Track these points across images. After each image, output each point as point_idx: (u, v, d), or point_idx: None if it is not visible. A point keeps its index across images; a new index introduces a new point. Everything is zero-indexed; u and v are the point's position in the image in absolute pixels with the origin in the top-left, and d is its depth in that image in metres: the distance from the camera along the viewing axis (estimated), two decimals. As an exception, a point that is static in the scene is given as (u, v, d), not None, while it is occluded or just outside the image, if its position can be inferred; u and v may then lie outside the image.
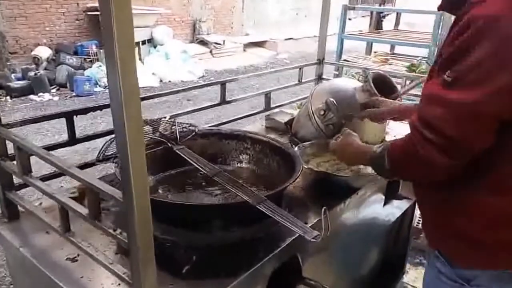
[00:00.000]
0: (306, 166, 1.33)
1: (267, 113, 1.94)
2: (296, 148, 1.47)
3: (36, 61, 6.63)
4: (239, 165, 1.39)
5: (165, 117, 1.39)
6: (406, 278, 2.05)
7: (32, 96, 6.00)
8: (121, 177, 0.68)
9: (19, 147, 0.96)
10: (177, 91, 1.55)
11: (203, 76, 7.45)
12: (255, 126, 1.91)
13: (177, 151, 1.13)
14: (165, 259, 0.92)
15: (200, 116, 3.01)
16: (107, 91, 6.53)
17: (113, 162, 1.12)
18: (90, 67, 6.68)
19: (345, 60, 4.71)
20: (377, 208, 1.52)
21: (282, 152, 1.31)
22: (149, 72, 6.93)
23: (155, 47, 7.48)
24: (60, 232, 0.91)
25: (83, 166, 1.22)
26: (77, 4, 7.04)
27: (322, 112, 1.59)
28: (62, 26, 6.99)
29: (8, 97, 5.93)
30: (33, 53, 6.62)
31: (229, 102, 1.68)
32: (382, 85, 1.60)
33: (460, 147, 0.81)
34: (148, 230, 0.70)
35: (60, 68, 6.50)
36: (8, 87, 6.01)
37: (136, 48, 7.01)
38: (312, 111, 1.62)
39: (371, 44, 5.69)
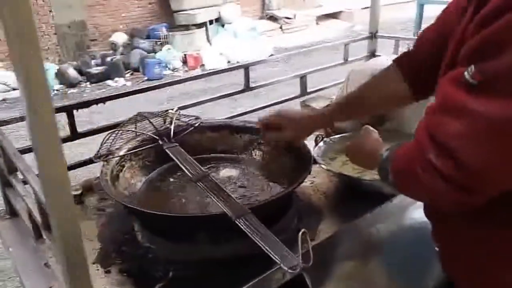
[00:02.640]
0: (324, 167, 1.15)
1: (303, 98, 1.75)
2: (321, 143, 1.29)
3: (113, 46, 7.17)
4: (250, 163, 1.26)
5: (172, 109, 1.31)
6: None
7: (108, 82, 6.50)
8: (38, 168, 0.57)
9: (2, 146, 0.97)
10: (177, 82, 1.46)
11: (272, 55, 7.29)
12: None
13: (166, 149, 1.05)
14: (136, 272, 0.86)
15: (227, 104, 2.83)
16: (175, 74, 6.88)
17: (103, 160, 1.09)
18: (161, 50, 7.00)
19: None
20: (420, 221, 1.26)
21: (295, 149, 1.15)
22: (216, 52, 7.00)
23: (223, 26, 7.52)
24: (34, 237, 0.91)
25: (82, 164, 1.21)
26: (149, -13, 7.38)
27: (358, 99, 1.37)
28: (136, 11, 7.42)
29: (88, 83, 6.51)
30: (110, 39, 7.17)
31: (253, 88, 1.54)
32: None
33: (480, 181, 0.58)
34: (75, 233, 0.60)
35: (134, 52, 6.93)
36: (88, 73, 6.61)
37: (204, 29, 7.13)
38: (347, 98, 1.40)
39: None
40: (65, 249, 0.59)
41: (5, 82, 6.45)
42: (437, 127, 0.61)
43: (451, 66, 0.64)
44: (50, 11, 6.53)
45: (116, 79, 6.56)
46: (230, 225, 0.84)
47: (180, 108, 1.42)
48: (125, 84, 6.48)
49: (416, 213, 1.21)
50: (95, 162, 1.17)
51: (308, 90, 1.78)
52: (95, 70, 6.68)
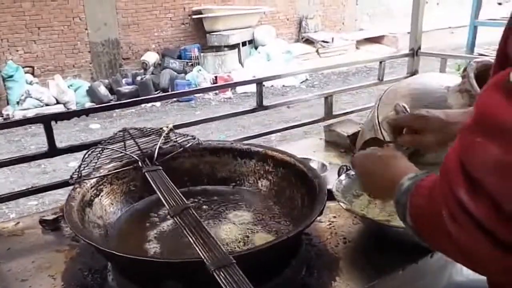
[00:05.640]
0: (343, 206, 0.94)
1: (329, 122, 1.57)
2: (343, 176, 1.09)
3: (145, 66, 7.32)
4: (254, 195, 1.08)
5: (167, 126, 1.17)
6: None
7: (137, 101, 6.66)
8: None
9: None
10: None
11: (306, 80, 7.17)
12: (312, 140, 1.56)
13: (146, 173, 0.90)
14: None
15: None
16: (206, 96, 6.88)
17: (76, 182, 0.95)
18: (191, 71, 7.07)
19: (480, 54, 3.85)
20: (470, 286, 1.01)
21: (308, 182, 0.96)
22: (248, 75, 6.96)
23: (256, 48, 7.53)
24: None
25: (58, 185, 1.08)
26: (184, 8, 7.55)
27: (391, 124, 1.18)
28: (169, 31, 7.59)
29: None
30: (142, 58, 7.34)
31: (266, 107, 1.38)
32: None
33: None
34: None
35: (164, 72, 7.03)
36: (118, 92, 6.74)
37: (236, 50, 7.15)
38: (378, 122, 1.21)
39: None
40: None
41: (39, 98, 6.72)
42: (467, 151, 0.43)
43: (501, 62, 0.46)
44: (86, 29, 6.80)
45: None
46: (208, 277, 0.66)
47: (181, 126, 1.28)
48: (154, 105, 6.54)
49: (466, 275, 0.97)
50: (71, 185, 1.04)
51: (334, 113, 1.59)
52: (125, 89, 6.81)
